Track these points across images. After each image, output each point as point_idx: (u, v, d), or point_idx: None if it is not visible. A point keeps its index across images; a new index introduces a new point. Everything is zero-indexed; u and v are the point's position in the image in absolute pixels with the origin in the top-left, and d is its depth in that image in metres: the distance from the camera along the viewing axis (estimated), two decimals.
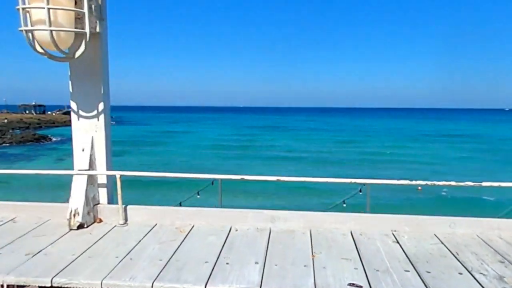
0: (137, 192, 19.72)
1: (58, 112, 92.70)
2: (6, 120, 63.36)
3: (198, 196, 11.36)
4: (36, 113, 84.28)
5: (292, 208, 4.37)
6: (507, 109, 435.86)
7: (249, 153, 42.92)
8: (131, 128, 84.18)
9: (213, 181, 12.05)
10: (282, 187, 23.10)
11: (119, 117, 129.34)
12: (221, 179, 10.28)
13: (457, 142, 58.20)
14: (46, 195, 12.77)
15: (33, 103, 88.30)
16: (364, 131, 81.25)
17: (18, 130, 57.56)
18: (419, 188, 25.83)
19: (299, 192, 22.76)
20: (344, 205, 10.40)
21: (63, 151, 39.69)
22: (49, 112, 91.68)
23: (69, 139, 4.51)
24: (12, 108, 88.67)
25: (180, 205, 10.67)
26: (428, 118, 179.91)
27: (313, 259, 3.21)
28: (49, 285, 2.78)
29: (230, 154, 42.04)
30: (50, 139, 49.88)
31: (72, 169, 4.10)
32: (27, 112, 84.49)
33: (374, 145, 52.05)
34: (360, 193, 11.11)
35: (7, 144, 44.25)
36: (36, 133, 53.03)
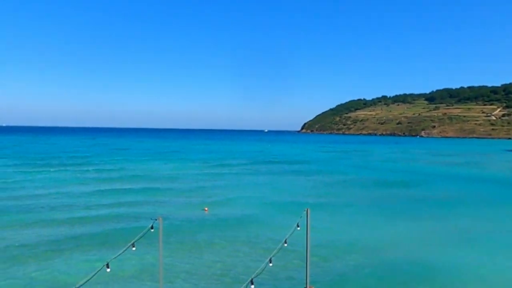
0: None
1: None
2: None
3: (134, 249, 9.51)
4: None
5: None
6: (266, 131, 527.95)
7: None
8: None
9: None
10: None
11: None
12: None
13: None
14: None
15: None
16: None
17: None
18: (206, 209, 27.89)
19: None
20: (134, 248, 9.95)
21: None
22: None
23: None
24: None
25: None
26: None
27: None
28: None
29: None
30: None
31: None
32: None
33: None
34: (152, 230, 10.85)
35: None
36: None
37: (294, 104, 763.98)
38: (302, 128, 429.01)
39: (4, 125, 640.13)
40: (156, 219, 10.69)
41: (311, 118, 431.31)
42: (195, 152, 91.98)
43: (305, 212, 12.80)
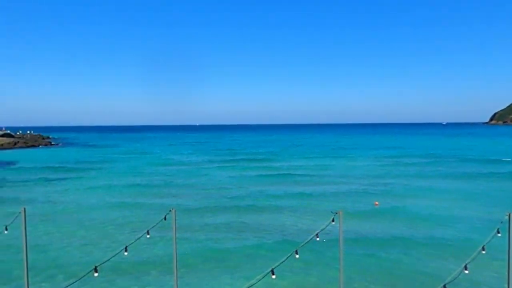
0: None
1: None
2: None
3: (318, 239, 10.21)
4: None
5: None
6: (444, 123, 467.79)
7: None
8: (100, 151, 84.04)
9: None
10: None
11: (65, 139, 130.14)
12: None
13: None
14: None
15: None
16: None
17: None
18: (376, 203, 26.70)
19: None
20: (318, 238, 10.47)
21: None
22: None
23: None
24: None
25: (126, 251, 9.88)
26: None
27: None
28: None
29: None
30: None
31: None
32: None
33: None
34: (333, 223, 11.20)
35: None
36: None
37: (478, 92, 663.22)
38: (491, 119, 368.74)
39: (197, 124, 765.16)
40: (336, 213, 10.99)
41: (502, 107, 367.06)
42: (368, 147, 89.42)
43: (507, 216, 11.12)
